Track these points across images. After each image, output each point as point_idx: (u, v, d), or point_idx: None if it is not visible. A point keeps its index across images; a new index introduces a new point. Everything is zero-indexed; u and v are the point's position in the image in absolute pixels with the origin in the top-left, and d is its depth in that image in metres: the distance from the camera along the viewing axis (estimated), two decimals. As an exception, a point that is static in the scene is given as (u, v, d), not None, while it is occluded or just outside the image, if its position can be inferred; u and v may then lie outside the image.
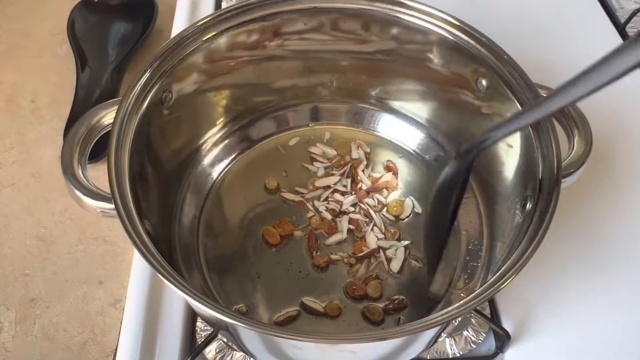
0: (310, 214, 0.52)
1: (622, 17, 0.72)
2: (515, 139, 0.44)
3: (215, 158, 0.54)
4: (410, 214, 0.52)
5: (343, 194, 0.53)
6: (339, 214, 0.52)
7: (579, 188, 0.43)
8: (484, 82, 0.46)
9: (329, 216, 0.51)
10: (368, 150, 0.56)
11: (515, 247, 0.37)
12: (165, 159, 0.48)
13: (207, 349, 0.45)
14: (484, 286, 0.35)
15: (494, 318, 0.47)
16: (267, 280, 0.48)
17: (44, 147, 0.65)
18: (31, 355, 0.51)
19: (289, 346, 0.36)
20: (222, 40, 0.47)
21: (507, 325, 0.47)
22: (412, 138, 0.56)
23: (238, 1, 0.47)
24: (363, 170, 0.54)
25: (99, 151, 0.57)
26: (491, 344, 0.47)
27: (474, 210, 0.51)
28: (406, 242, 0.50)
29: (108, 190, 0.37)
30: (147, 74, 0.43)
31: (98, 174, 0.55)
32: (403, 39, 0.49)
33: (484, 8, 0.69)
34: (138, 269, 0.49)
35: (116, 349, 0.45)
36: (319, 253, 0.49)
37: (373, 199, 0.53)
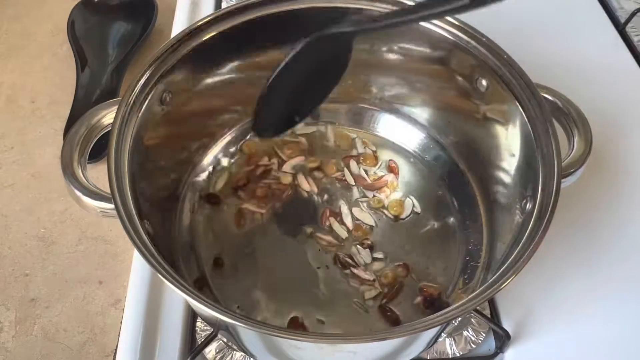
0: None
1: (622, 17, 0.72)
2: (515, 139, 0.44)
3: (215, 157, 0.54)
4: (410, 214, 0.52)
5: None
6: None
7: (579, 188, 0.43)
8: (483, 82, 0.46)
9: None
10: (374, 148, 0.56)
11: (515, 247, 0.37)
12: (165, 158, 0.48)
13: (207, 349, 0.45)
14: (484, 286, 0.35)
15: (494, 318, 0.47)
16: (267, 280, 0.48)
17: (44, 147, 0.65)
18: (31, 355, 0.51)
19: (289, 346, 0.36)
20: (222, 40, 0.47)
21: (507, 325, 0.47)
22: (412, 138, 0.56)
23: (238, 1, 0.47)
24: (358, 164, 0.55)
25: (99, 151, 0.57)
26: (491, 344, 0.47)
27: (474, 211, 0.51)
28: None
29: (108, 190, 0.37)
30: (147, 74, 0.43)
31: (98, 174, 0.55)
32: (403, 38, 0.49)
33: (484, 8, 0.69)
34: (138, 269, 0.49)
35: (116, 349, 0.45)
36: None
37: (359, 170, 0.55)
